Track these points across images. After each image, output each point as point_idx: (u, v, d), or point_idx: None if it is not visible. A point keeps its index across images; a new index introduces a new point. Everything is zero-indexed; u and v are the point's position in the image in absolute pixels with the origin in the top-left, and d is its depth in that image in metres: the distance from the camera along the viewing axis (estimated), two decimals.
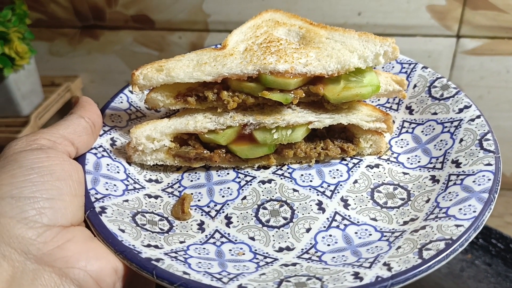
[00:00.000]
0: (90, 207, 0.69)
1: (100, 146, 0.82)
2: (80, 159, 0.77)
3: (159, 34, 1.76)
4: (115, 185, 0.77)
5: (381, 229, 0.72)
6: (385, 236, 0.70)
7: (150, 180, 0.84)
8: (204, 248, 0.70)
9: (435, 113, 0.89)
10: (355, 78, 0.82)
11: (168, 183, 0.84)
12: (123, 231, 0.67)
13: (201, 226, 0.75)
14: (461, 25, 1.56)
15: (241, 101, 0.82)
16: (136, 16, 1.72)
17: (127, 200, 0.76)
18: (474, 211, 0.65)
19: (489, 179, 0.70)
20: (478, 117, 0.83)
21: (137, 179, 0.82)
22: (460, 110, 0.86)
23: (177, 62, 0.83)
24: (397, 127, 0.93)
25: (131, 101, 0.96)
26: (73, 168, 0.70)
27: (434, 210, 0.71)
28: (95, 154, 0.80)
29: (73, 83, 1.86)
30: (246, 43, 0.87)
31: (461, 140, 0.81)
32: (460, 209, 0.67)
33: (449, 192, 0.73)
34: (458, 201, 0.69)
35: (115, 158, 0.83)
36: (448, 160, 0.80)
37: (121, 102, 0.94)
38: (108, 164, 0.80)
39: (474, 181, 0.71)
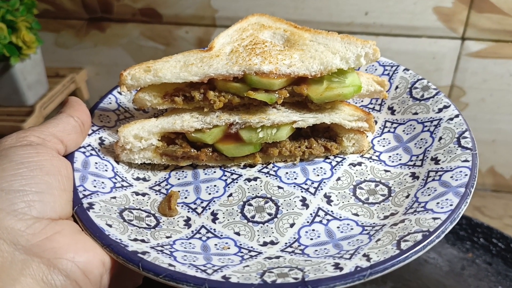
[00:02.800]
0: (78, 203, 0.71)
1: (89, 145, 0.84)
2: (69, 157, 0.79)
3: (166, 28, 1.76)
4: (103, 182, 0.79)
5: (362, 223, 0.74)
6: (366, 230, 0.72)
7: (137, 179, 0.86)
8: (190, 243, 0.72)
9: (416, 113, 0.92)
10: (338, 79, 0.84)
11: (156, 181, 0.86)
12: (110, 226, 0.69)
13: (187, 222, 0.77)
14: (466, 27, 1.56)
15: (227, 101, 0.84)
16: (144, 10, 1.72)
17: (114, 197, 0.77)
18: (451, 205, 0.68)
19: (466, 175, 0.73)
20: (457, 116, 0.85)
21: (125, 177, 0.84)
22: (440, 110, 0.89)
23: (164, 63, 0.85)
24: (380, 127, 0.95)
25: (120, 102, 0.97)
26: (62, 164, 0.72)
27: (413, 204, 0.73)
28: (84, 152, 0.82)
29: (78, 75, 1.87)
30: (232, 45, 0.89)
31: (440, 138, 0.84)
32: (438, 203, 0.69)
33: (428, 188, 0.75)
34: (436, 195, 0.72)
35: (103, 157, 0.84)
36: (427, 157, 0.82)
37: (110, 103, 0.96)
38: (96, 163, 0.82)
39: (451, 177, 0.74)
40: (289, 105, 0.89)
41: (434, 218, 0.66)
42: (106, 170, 0.82)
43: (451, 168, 0.76)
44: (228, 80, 0.83)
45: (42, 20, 1.75)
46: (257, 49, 0.86)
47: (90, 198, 0.73)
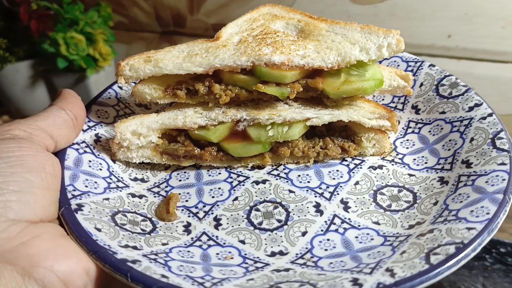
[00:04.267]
0: (65, 204, 0.64)
1: (83, 142, 0.77)
2: (59, 154, 0.71)
3: None
4: (96, 182, 0.72)
5: (384, 233, 0.66)
6: (389, 240, 0.64)
7: (135, 179, 0.78)
8: (188, 251, 0.64)
9: (443, 112, 0.83)
10: (357, 72, 0.76)
11: (155, 183, 0.78)
12: (99, 230, 0.61)
13: (187, 228, 0.69)
14: None
15: (234, 95, 0.77)
16: (217, 25, 1.69)
17: (107, 199, 0.70)
18: (488, 213, 0.59)
19: (504, 179, 0.64)
20: (490, 115, 0.76)
21: (121, 177, 0.77)
22: (470, 109, 0.80)
23: (166, 53, 0.77)
24: (403, 127, 0.86)
25: (120, 97, 0.90)
26: (48, 160, 0.64)
27: (442, 212, 0.64)
28: (77, 149, 0.75)
29: None
30: (241, 35, 0.82)
31: (472, 139, 0.75)
32: (472, 211, 0.60)
33: (459, 194, 0.66)
34: (469, 202, 0.63)
35: (98, 155, 0.77)
36: (458, 160, 0.73)
37: (109, 97, 0.89)
38: (90, 161, 0.75)
39: (486, 182, 0.65)
40: (302, 101, 0.81)
41: (469, 228, 0.57)
42: (100, 169, 0.75)
43: (486, 172, 0.67)
44: (236, 72, 0.75)
45: (115, 32, 1.76)
46: (268, 39, 0.78)
47: (80, 199, 0.66)
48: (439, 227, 0.60)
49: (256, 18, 0.88)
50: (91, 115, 0.83)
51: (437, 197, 0.69)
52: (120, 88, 0.92)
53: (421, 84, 0.90)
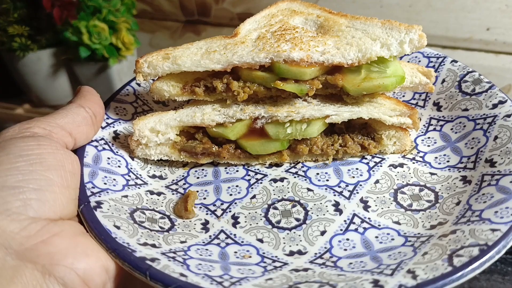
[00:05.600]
0: (84, 201, 0.64)
1: (102, 139, 0.77)
2: (79, 151, 0.72)
3: None
4: (114, 179, 0.72)
5: (405, 233, 0.64)
6: (410, 241, 0.62)
7: (153, 176, 0.78)
8: (206, 249, 0.64)
9: (466, 109, 0.81)
10: (378, 68, 0.75)
11: (173, 180, 0.78)
12: (118, 227, 0.61)
13: (205, 225, 0.69)
14: None
15: (252, 92, 0.76)
16: (242, 14, 1.66)
17: (126, 196, 0.70)
18: None
19: None
20: None
21: (140, 175, 0.77)
22: (494, 106, 0.77)
23: (184, 50, 0.77)
24: (424, 125, 0.85)
25: (138, 94, 0.90)
26: (67, 158, 0.65)
27: (465, 213, 0.62)
28: (96, 147, 0.75)
29: None
30: (259, 31, 0.81)
31: (496, 137, 0.73)
32: (496, 211, 0.59)
33: (483, 194, 0.64)
34: (493, 203, 0.61)
35: (116, 152, 0.77)
36: (481, 159, 0.72)
37: (127, 94, 0.89)
38: (109, 158, 0.75)
39: (511, 182, 0.63)
40: (321, 98, 0.79)
41: (493, 230, 0.56)
42: (119, 166, 0.75)
43: (511, 171, 0.65)
44: (254, 69, 0.74)
45: (138, 21, 1.74)
46: (287, 35, 0.77)
47: (99, 196, 0.66)
48: (462, 228, 0.59)
49: (275, 14, 0.87)
50: (110, 112, 0.84)
51: (459, 196, 0.67)
52: (138, 85, 0.92)
53: (443, 81, 0.88)
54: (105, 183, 0.70)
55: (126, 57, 1.71)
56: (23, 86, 1.82)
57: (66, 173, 0.63)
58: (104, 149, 0.76)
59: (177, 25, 1.79)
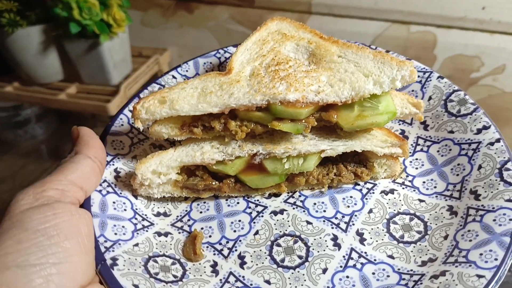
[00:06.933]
0: (101, 260, 0.67)
1: (105, 181, 0.79)
2: (85, 201, 0.74)
3: (258, 13, 1.66)
4: (123, 226, 0.75)
5: (398, 269, 0.71)
6: (404, 279, 0.69)
7: (158, 214, 0.81)
8: None
9: (451, 131, 0.85)
10: (370, 104, 0.77)
11: (177, 216, 0.82)
12: (137, 286, 0.66)
13: (214, 268, 0.74)
14: None
15: (250, 130, 0.78)
16: None
17: (137, 244, 0.73)
18: (496, 259, 0.64)
19: (510, 219, 0.68)
20: (498, 140, 0.79)
21: (145, 215, 0.80)
22: (479, 131, 0.82)
23: (180, 92, 0.77)
24: (412, 144, 0.89)
25: (133, 123, 0.91)
26: (82, 221, 0.67)
27: (453, 251, 0.69)
28: (100, 191, 0.77)
29: (161, 56, 1.85)
30: (252, 64, 0.81)
31: (480, 167, 0.78)
32: (481, 254, 0.65)
33: (468, 230, 0.71)
34: (478, 243, 0.67)
35: (120, 193, 0.80)
36: (466, 189, 0.77)
37: (122, 124, 0.90)
38: (114, 202, 0.77)
39: (494, 220, 0.69)
40: (316, 130, 0.82)
41: (479, 276, 0.62)
42: (125, 210, 0.78)
43: (493, 208, 0.71)
44: (251, 109, 0.76)
45: None
46: (281, 71, 0.78)
47: (113, 251, 0.69)
48: (451, 270, 0.66)
49: (265, 39, 0.87)
50: (107, 147, 0.84)
51: (447, 229, 0.74)
52: (131, 112, 0.92)
53: (430, 98, 0.91)
54: (115, 233, 0.73)
55: (117, 34, 1.68)
56: (12, 63, 1.79)
57: (83, 238, 0.66)
58: (108, 192, 0.78)
59: (169, 2, 1.75)
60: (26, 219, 0.62)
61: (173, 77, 0.99)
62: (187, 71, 1.00)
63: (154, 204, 0.83)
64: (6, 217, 0.64)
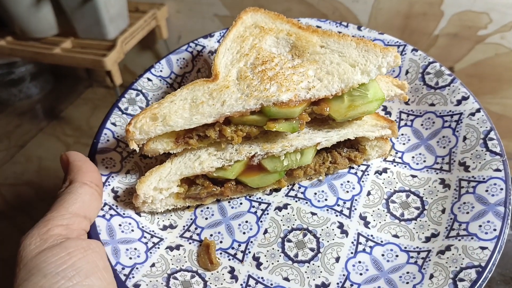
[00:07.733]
0: None
1: (105, 204, 0.78)
2: (91, 229, 0.73)
3: None
4: (135, 249, 0.75)
5: (405, 247, 0.76)
6: (412, 257, 0.74)
7: (164, 228, 0.81)
8: None
9: (432, 104, 0.89)
10: (359, 93, 0.79)
11: (183, 226, 0.82)
12: None
13: (232, 273, 0.76)
14: None
15: (245, 134, 0.78)
16: None
17: (153, 265, 0.74)
18: (495, 229, 0.69)
19: (502, 189, 0.74)
20: (478, 111, 0.84)
21: (153, 231, 0.80)
22: (459, 102, 0.86)
23: (170, 105, 0.76)
24: (395, 119, 0.92)
25: (118, 136, 0.88)
26: (97, 255, 0.67)
27: (453, 224, 0.74)
28: (104, 216, 0.76)
29: (159, 11, 1.75)
30: (237, 66, 0.80)
31: (465, 138, 0.83)
32: (480, 226, 0.71)
33: (464, 202, 0.76)
34: (475, 215, 0.73)
35: (124, 214, 0.79)
36: (454, 161, 0.82)
37: (108, 140, 0.87)
38: (120, 225, 0.77)
39: (487, 191, 0.75)
40: (309, 123, 0.83)
41: (482, 248, 0.68)
42: (132, 230, 0.78)
43: (484, 178, 0.76)
44: (245, 114, 0.76)
45: None
46: (268, 70, 0.78)
47: (133, 277, 0.70)
48: (455, 244, 0.71)
49: (243, 35, 0.85)
50: (99, 167, 0.82)
51: (443, 203, 0.79)
52: (114, 124, 0.89)
53: (407, 72, 0.94)
54: (130, 258, 0.73)
55: None
56: (5, 17, 1.69)
57: (101, 272, 0.65)
58: (111, 216, 0.77)
59: None
60: (42, 264, 0.61)
61: (149, 79, 0.95)
62: (161, 71, 0.97)
63: (158, 218, 0.83)
64: (20, 265, 0.62)
